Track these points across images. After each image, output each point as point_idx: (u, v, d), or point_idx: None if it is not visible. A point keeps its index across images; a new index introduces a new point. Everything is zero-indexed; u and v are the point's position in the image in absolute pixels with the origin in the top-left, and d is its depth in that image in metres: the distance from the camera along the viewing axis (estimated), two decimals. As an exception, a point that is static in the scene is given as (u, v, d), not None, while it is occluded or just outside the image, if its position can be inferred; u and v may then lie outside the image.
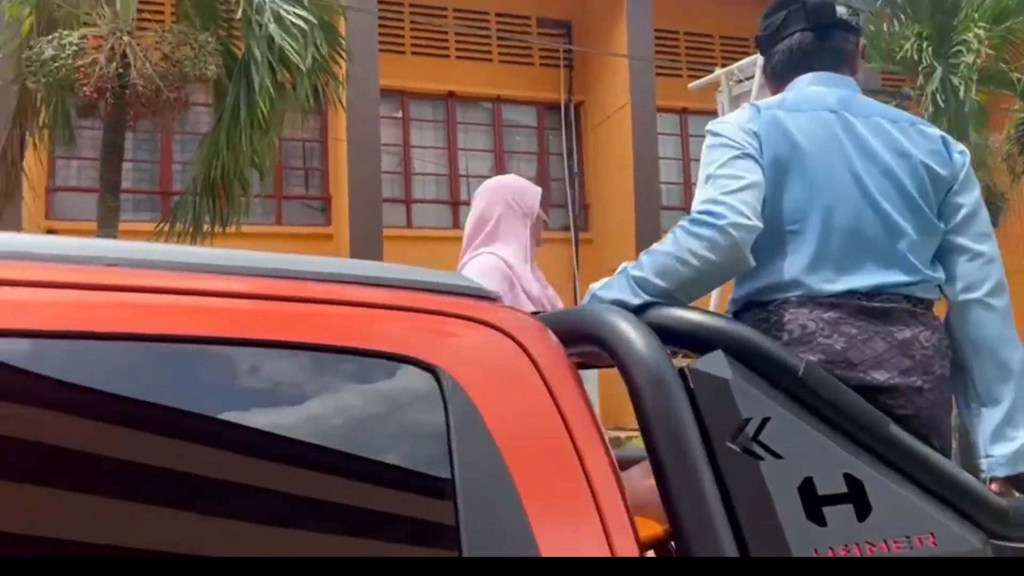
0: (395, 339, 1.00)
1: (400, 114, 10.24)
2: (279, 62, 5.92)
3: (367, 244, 8.62)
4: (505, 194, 2.46)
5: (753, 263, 1.45)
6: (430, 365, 0.98)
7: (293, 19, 5.88)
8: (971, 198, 1.57)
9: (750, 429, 1.18)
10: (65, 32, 5.80)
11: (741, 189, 1.45)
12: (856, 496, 1.19)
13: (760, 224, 1.43)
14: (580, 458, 1.00)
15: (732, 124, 1.55)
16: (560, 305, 2.37)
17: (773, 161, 1.50)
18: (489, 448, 0.96)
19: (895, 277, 1.47)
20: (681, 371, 1.20)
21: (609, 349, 1.23)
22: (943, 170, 1.54)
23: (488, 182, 2.60)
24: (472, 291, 1.11)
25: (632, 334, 1.22)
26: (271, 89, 5.84)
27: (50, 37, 5.78)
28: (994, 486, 1.49)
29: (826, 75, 1.63)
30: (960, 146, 1.61)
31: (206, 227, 6.61)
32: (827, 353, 1.42)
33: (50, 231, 8.09)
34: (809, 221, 1.48)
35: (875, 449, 1.27)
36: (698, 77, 10.88)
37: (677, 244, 1.43)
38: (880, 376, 1.42)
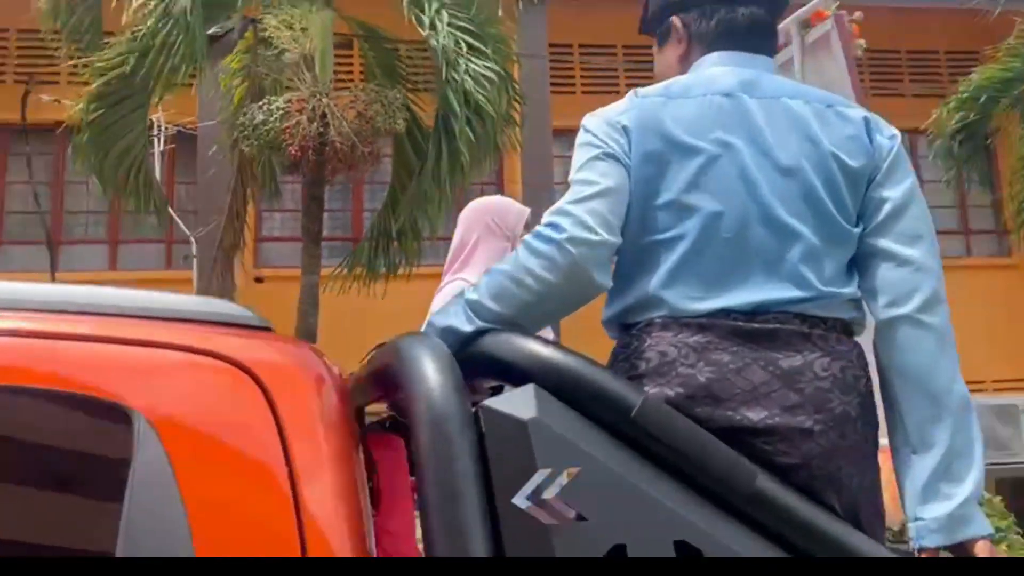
0: (85, 375, 0.88)
1: (572, 153, 10.57)
2: (473, 112, 6.43)
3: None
4: (485, 216, 2.35)
5: (605, 284, 1.27)
6: (124, 407, 0.86)
7: (484, 72, 6.36)
8: (898, 191, 1.31)
9: (546, 483, 0.98)
10: (272, 98, 6.54)
11: (591, 197, 1.26)
12: None
13: (612, 238, 1.25)
14: (300, 527, 0.87)
15: (600, 117, 1.36)
16: (551, 336, 2.04)
17: (644, 159, 1.30)
18: (172, 508, 0.83)
19: (783, 292, 1.25)
20: (476, 411, 1.05)
21: (400, 386, 1.07)
22: (857, 160, 1.31)
23: (471, 204, 2.49)
24: (236, 321, 1.00)
25: (418, 367, 1.05)
26: (471, 137, 6.35)
27: (260, 103, 6.54)
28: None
29: (734, 54, 1.40)
30: (890, 129, 1.36)
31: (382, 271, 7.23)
32: (687, 386, 1.21)
33: (258, 279, 9.02)
34: (683, 228, 1.27)
35: (738, 508, 1.07)
36: (920, 96, 10.42)
37: (516, 263, 1.26)
38: (754, 415, 1.19)
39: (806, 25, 3.99)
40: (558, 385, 1.08)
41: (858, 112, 1.36)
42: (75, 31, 6.53)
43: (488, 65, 6.42)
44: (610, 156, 1.30)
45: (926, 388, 1.24)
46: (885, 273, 1.29)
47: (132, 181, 6.80)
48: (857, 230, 1.31)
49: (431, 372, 1.04)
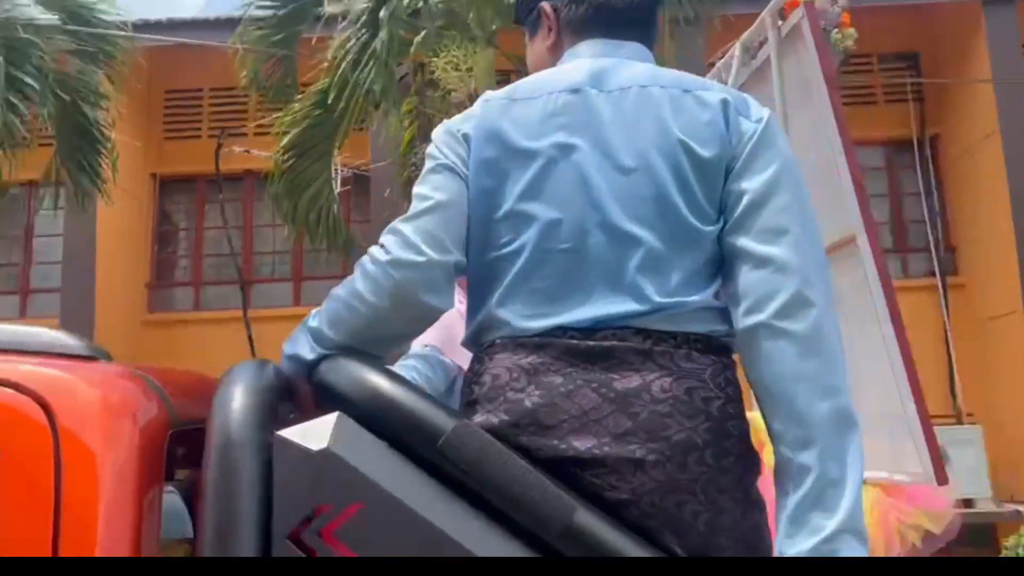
0: None
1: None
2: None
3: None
4: None
5: (440, 305, 1.21)
6: None
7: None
8: (758, 181, 1.18)
9: (323, 520, 0.95)
10: (440, 137, 6.99)
11: (421, 214, 1.21)
12: None
13: (441, 256, 1.19)
14: (55, 554, 0.88)
15: (444, 126, 1.31)
16: None
17: (481, 168, 1.23)
18: None
19: (622, 306, 1.15)
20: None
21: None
22: (710, 149, 1.18)
23: None
24: (61, 350, 1.03)
25: (221, 396, 1.05)
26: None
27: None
28: None
29: (601, 42, 1.31)
30: (759, 111, 1.23)
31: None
32: (512, 413, 1.12)
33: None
34: (521, 240, 1.20)
35: (552, 547, 1.01)
36: (1083, 90, 9.80)
37: (350, 286, 1.23)
38: (582, 444, 1.09)
39: (782, 15, 3.58)
40: (374, 414, 1.05)
41: (718, 95, 1.23)
42: (277, 91, 7.26)
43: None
44: (446, 168, 1.24)
45: (790, 405, 1.10)
46: (745, 275, 1.16)
47: (322, 224, 7.45)
48: (711, 228, 1.19)
49: (231, 401, 1.03)
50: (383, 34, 6.51)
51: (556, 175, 1.20)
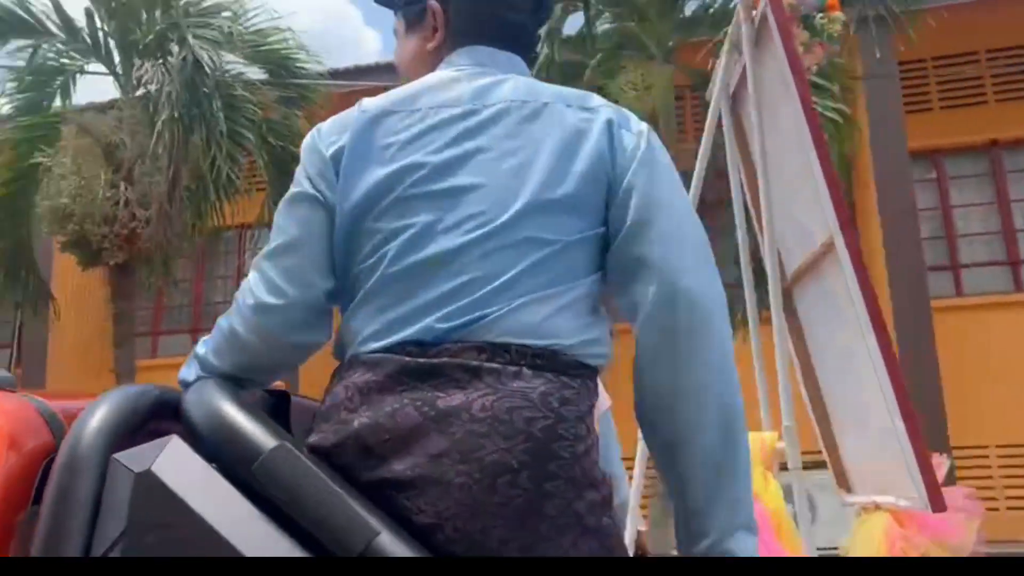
0: None
1: (934, 174, 10.10)
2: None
3: (913, 318, 8.59)
4: None
5: (310, 341, 1.23)
6: None
7: (825, 112, 6.56)
8: (643, 190, 1.20)
9: (131, 540, 0.99)
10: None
11: (283, 250, 1.21)
12: None
13: (305, 295, 1.19)
14: None
15: (312, 141, 1.26)
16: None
17: (350, 183, 1.20)
18: None
19: (462, 317, 1.12)
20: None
21: None
22: (590, 162, 1.20)
23: None
24: None
25: (80, 417, 1.09)
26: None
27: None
28: None
29: (485, 51, 1.32)
30: (638, 125, 1.26)
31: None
32: (339, 434, 1.10)
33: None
34: (378, 255, 1.18)
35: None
36: None
37: (229, 318, 1.24)
38: (399, 465, 1.06)
39: (754, 6, 3.29)
40: (208, 437, 1.09)
41: (599, 109, 1.26)
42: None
43: (835, 106, 6.57)
44: (307, 199, 1.22)
45: (684, 407, 1.13)
46: (638, 284, 1.17)
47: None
48: (577, 237, 1.19)
49: (84, 423, 1.08)
50: (544, 48, 6.89)
51: (423, 192, 1.19)
